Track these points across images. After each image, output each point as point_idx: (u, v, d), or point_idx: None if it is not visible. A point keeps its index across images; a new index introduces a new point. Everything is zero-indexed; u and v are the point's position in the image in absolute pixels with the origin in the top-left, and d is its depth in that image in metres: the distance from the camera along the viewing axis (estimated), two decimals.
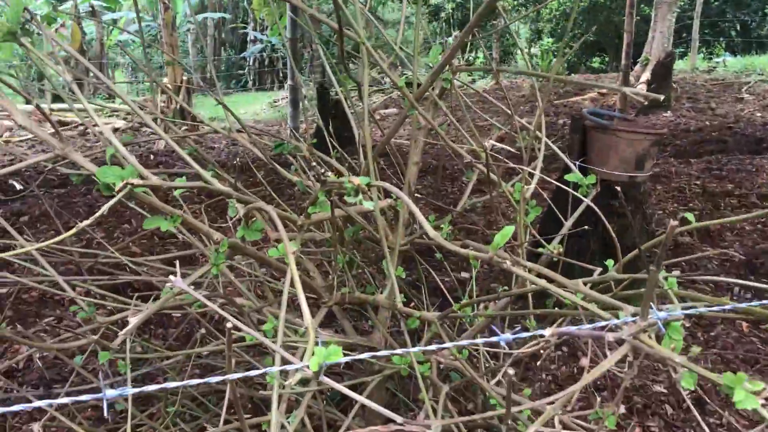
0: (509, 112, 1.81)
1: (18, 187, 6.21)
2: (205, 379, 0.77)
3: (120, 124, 10.69)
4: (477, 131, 1.91)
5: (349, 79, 1.99)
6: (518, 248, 1.55)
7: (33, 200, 5.76)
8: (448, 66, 1.72)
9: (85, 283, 2.20)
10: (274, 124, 11.49)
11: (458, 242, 1.85)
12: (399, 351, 0.87)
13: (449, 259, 3.37)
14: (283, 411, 1.40)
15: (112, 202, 0.96)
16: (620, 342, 0.74)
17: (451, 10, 19.53)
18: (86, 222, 0.89)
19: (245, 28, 20.70)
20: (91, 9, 14.68)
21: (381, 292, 1.95)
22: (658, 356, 0.71)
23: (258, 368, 2.26)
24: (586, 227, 1.71)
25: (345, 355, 1.93)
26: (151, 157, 7.92)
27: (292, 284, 1.09)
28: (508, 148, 1.73)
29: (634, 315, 1.05)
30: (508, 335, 0.83)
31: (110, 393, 0.68)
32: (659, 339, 0.89)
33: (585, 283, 1.27)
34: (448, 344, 0.93)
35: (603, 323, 0.92)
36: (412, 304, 2.53)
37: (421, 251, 2.33)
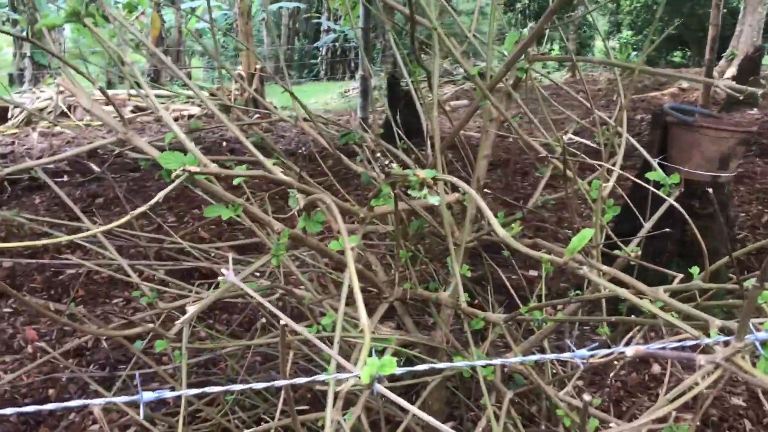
0: (588, 105, 1.71)
1: (96, 169, 6.41)
2: (250, 385, 0.73)
3: (195, 110, 10.92)
4: (552, 125, 1.81)
5: (419, 68, 1.92)
6: (593, 249, 1.46)
7: (109, 182, 5.94)
8: (523, 55, 1.63)
9: (151, 267, 2.22)
10: (344, 114, 11.52)
11: (528, 241, 1.77)
12: (466, 363, 0.81)
13: (516, 256, 3.28)
14: (340, 407, 1.36)
15: (168, 188, 0.93)
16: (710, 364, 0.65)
17: (527, 1, 19.17)
18: (141, 208, 0.86)
19: (319, 17, 20.85)
20: None
21: (444, 289, 1.88)
22: (758, 384, 0.63)
23: (316, 360, 2.24)
24: (667, 229, 1.60)
25: (405, 354, 1.87)
26: (224, 144, 8.05)
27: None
28: (587, 142, 1.63)
29: (721, 329, 0.96)
30: (584, 351, 0.76)
31: (147, 396, 0.65)
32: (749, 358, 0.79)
33: (665, 291, 1.17)
34: (520, 358, 0.86)
35: (688, 339, 0.83)
36: (476, 301, 2.46)
37: (487, 247, 2.25)
